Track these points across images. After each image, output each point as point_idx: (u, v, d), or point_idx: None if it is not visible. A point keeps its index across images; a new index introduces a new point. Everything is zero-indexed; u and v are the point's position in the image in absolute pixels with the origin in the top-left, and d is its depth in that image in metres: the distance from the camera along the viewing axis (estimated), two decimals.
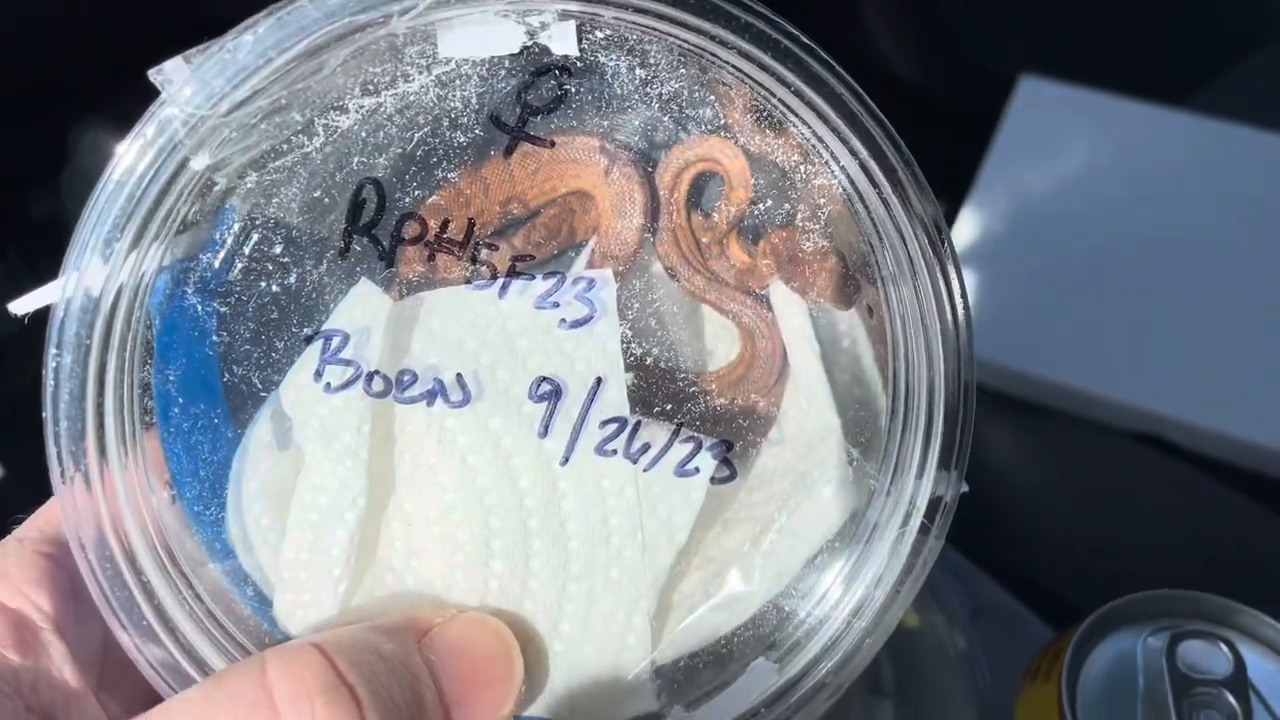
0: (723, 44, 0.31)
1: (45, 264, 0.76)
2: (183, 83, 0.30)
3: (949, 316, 0.33)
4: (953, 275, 0.33)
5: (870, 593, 0.34)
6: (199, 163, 0.31)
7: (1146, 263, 0.80)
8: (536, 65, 0.32)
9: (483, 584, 0.34)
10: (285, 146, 0.32)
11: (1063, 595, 0.63)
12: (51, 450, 0.32)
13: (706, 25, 0.30)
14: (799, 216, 0.33)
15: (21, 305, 0.32)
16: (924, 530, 0.33)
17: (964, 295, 0.33)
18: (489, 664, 0.32)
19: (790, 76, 0.31)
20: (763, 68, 0.31)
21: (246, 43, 0.30)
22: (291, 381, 0.33)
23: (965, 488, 0.33)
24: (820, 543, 0.34)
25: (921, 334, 0.33)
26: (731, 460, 0.34)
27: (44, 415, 0.32)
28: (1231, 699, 0.44)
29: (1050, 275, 0.81)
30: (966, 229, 0.82)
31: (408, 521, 0.34)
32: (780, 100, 0.32)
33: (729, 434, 0.34)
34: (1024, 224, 0.83)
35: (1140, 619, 0.48)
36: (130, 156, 0.31)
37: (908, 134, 0.32)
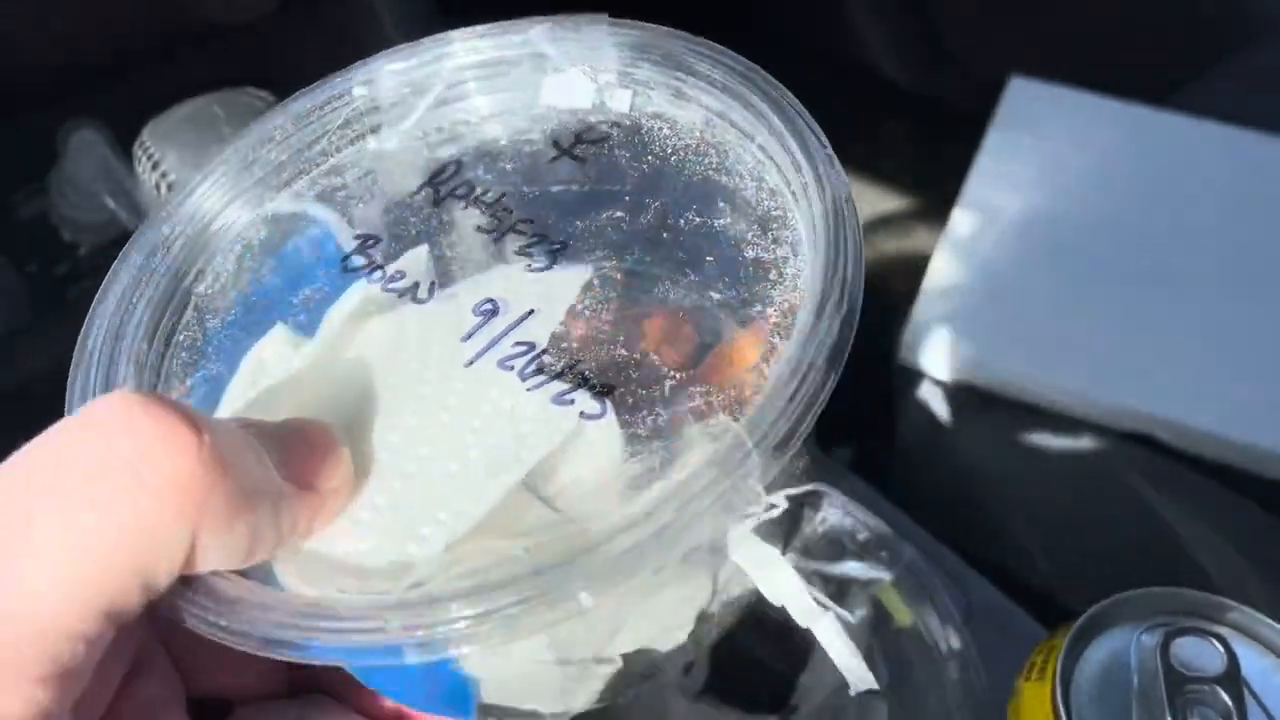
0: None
1: (32, 264, 0.76)
2: (379, 71, 0.41)
3: None
4: None
5: None
6: (371, 136, 0.42)
7: (1135, 261, 0.81)
8: (595, 114, 0.41)
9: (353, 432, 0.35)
10: (421, 137, 0.42)
11: (1055, 594, 0.63)
12: None
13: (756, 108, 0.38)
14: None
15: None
16: None
17: None
18: (311, 435, 0.32)
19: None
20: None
21: (434, 59, 0.41)
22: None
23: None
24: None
25: None
26: (607, 402, 0.34)
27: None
28: (1225, 696, 0.44)
29: (1039, 275, 0.81)
30: (956, 229, 0.83)
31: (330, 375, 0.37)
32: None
33: (628, 383, 0.35)
34: (1014, 223, 0.83)
35: (1134, 617, 0.48)
36: (314, 122, 0.41)
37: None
